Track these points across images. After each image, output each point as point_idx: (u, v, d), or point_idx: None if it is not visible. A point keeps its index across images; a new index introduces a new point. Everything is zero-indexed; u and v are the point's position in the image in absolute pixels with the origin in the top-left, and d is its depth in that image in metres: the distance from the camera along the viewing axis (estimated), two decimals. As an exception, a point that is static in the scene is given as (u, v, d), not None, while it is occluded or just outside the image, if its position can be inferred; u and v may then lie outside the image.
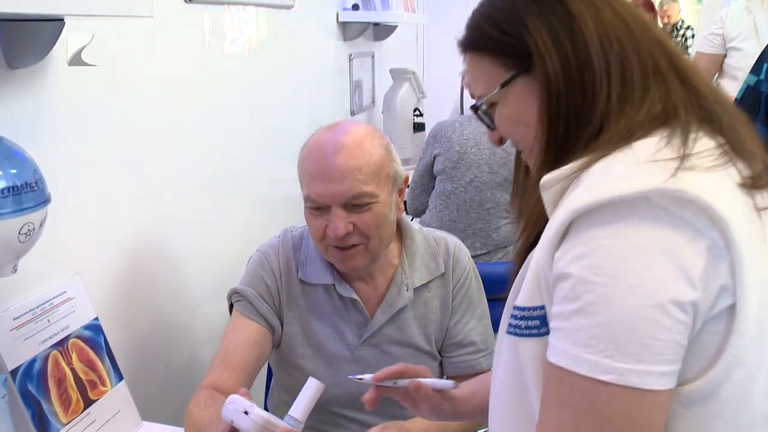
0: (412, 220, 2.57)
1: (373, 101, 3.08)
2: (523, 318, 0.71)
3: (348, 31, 2.63)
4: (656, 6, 6.07)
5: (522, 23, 0.77)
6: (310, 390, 1.10)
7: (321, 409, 1.39)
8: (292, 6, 2.13)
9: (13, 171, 0.89)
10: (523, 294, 0.72)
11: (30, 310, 1.13)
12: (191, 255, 1.65)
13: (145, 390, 1.43)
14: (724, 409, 0.65)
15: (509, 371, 0.76)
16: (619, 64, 0.74)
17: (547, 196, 0.71)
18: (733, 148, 0.70)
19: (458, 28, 0.89)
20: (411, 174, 2.55)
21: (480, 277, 1.45)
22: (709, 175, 0.65)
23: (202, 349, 1.71)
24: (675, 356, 0.62)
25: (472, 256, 2.01)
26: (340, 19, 2.56)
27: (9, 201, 0.87)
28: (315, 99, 2.44)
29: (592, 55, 0.74)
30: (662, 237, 0.62)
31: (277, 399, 1.53)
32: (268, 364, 1.57)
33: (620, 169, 0.66)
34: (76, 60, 0.76)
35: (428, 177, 2.44)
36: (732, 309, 0.63)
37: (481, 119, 0.87)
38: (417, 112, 3.07)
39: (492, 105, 0.84)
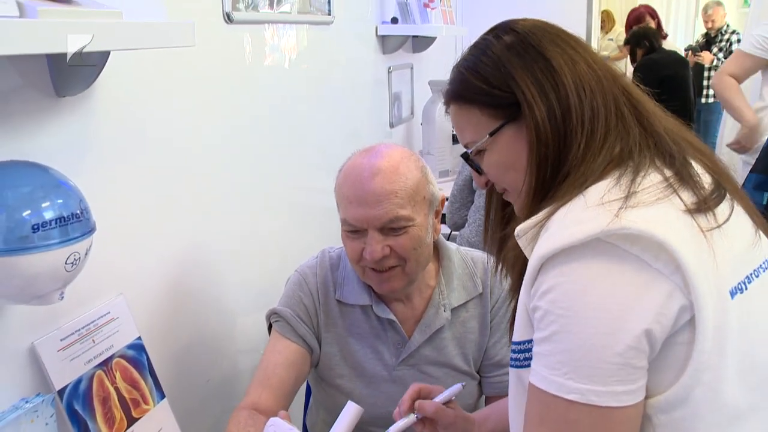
0: (450, 233, 2.56)
1: (412, 113, 3.08)
2: (520, 351, 0.79)
3: (387, 43, 2.64)
4: (702, 10, 5.95)
5: (509, 76, 0.85)
6: (349, 414, 1.11)
7: (359, 430, 1.40)
8: (332, 22, 2.15)
9: (60, 201, 0.92)
10: (516, 330, 0.81)
11: (76, 331, 1.15)
12: (230, 270, 1.67)
13: (187, 405, 1.45)
14: (701, 410, 0.72)
15: (518, 401, 0.83)
16: (590, 113, 0.82)
17: (522, 243, 0.80)
18: (680, 180, 0.78)
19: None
20: (450, 187, 2.55)
21: None
22: (653, 207, 0.74)
23: (241, 362, 1.73)
24: (629, 377, 0.70)
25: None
26: (379, 33, 2.57)
27: (56, 232, 0.90)
28: (354, 112, 2.46)
29: (571, 104, 0.82)
30: (612, 272, 0.71)
31: (315, 417, 1.54)
32: (307, 382, 1.58)
33: (573, 216, 0.75)
34: (76, 60, 0.78)
35: (467, 191, 2.43)
36: (693, 320, 0.71)
37: (470, 165, 0.95)
38: (456, 124, 3.06)
39: (479, 152, 0.91)
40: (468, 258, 1.43)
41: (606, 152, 0.80)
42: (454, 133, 3.06)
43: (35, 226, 0.88)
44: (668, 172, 0.79)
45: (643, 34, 4.77)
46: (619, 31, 7.04)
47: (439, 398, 1.19)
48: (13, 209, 0.88)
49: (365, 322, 1.38)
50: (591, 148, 0.81)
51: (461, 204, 2.47)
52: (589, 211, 0.74)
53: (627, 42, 4.83)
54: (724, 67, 2.98)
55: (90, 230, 0.96)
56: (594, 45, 5.71)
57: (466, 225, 2.45)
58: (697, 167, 0.84)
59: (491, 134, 0.88)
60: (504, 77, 0.85)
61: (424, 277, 1.38)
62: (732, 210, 0.81)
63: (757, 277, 0.79)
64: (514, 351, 0.81)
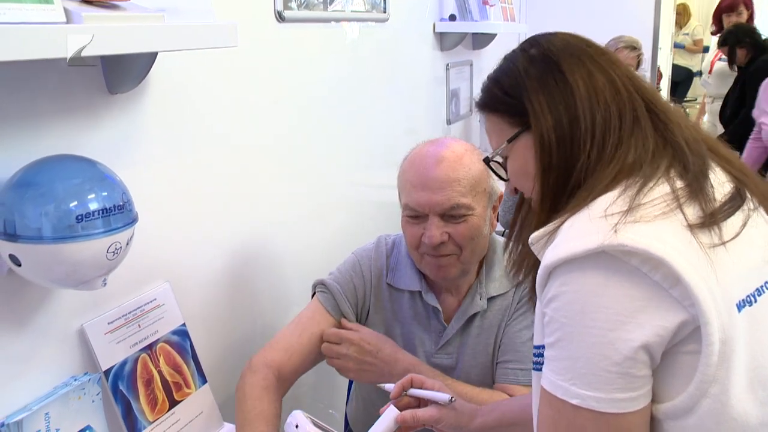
0: (504, 231, 2.55)
1: (471, 110, 3.07)
2: (538, 355, 0.81)
3: (445, 41, 2.64)
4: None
5: (523, 86, 0.89)
6: (388, 419, 1.12)
7: None
8: (387, 19, 2.17)
9: (104, 194, 0.97)
10: (535, 335, 0.83)
11: (123, 316, 1.22)
12: (276, 262, 1.72)
13: (228, 391, 1.51)
14: (707, 422, 0.73)
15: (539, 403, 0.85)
16: (602, 124, 0.84)
17: (535, 249, 0.83)
18: (690, 192, 0.78)
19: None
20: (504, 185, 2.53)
21: None
22: (653, 223, 0.74)
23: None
24: (630, 385, 0.72)
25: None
26: (436, 30, 2.58)
27: (99, 222, 0.95)
28: (411, 108, 2.48)
29: (580, 115, 0.84)
30: (611, 284, 0.72)
31: (354, 408, 1.58)
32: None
33: (577, 227, 0.77)
34: (77, 60, 0.83)
35: (520, 190, 2.41)
36: (697, 332, 0.71)
37: (494, 171, 1.00)
38: (514, 121, 3.03)
39: (505, 159, 0.96)
40: None
41: (616, 162, 0.82)
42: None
43: (80, 216, 0.94)
44: (679, 183, 0.80)
45: (743, 30, 4.31)
46: (695, 26, 6.77)
47: (421, 393, 1.18)
48: (61, 200, 0.94)
49: (411, 308, 1.42)
50: (602, 158, 0.83)
51: (513, 203, 2.45)
52: (592, 223, 0.76)
53: (724, 42, 4.31)
54: None
55: (131, 221, 1.02)
56: (668, 41, 5.48)
57: (518, 224, 2.42)
58: (720, 176, 0.84)
59: (509, 141, 0.92)
60: (519, 87, 0.90)
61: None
62: (745, 222, 0.80)
63: None
64: (534, 355, 0.84)
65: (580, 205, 0.79)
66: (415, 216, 1.32)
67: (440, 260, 1.32)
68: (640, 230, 0.73)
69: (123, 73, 1.13)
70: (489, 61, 3.15)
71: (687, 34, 6.72)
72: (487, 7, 2.65)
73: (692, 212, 0.77)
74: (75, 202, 0.94)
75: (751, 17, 4.80)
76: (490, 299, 1.40)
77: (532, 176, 0.89)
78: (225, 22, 1.09)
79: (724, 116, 4.32)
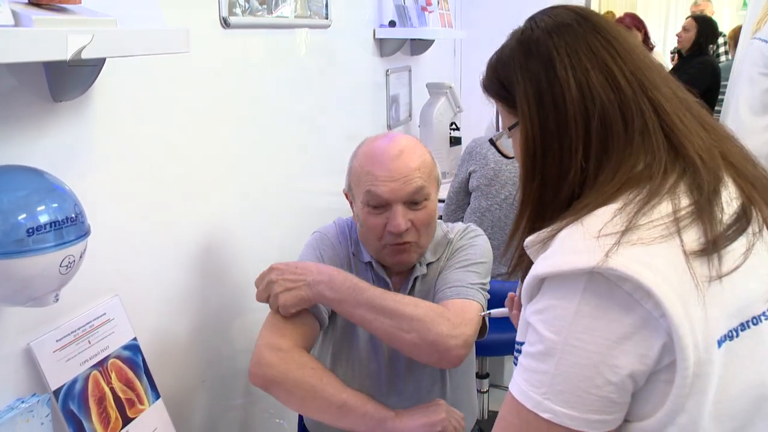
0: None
1: (410, 115, 3.09)
2: (518, 351, 0.79)
3: (385, 46, 2.66)
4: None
5: (516, 80, 0.83)
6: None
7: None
8: (329, 25, 2.16)
9: (55, 205, 0.93)
10: (519, 331, 0.81)
11: (72, 332, 1.17)
12: (225, 272, 1.69)
13: (182, 406, 1.47)
14: None
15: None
16: (600, 132, 0.77)
17: (530, 253, 0.79)
18: (696, 212, 0.74)
19: (496, 42, 0.94)
20: (447, 189, 2.56)
21: (491, 251, 1.49)
22: (650, 248, 0.70)
23: (237, 363, 1.74)
24: (606, 408, 0.71)
25: (506, 273, 2.01)
26: (376, 36, 2.59)
27: (51, 235, 0.91)
28: (352, 114, 2.48)
29: (570, 122, 0.78)
30: (602, 307, 0.70)
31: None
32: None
33: (571, 243, 0.73)
34: (76, 60, 0.80)
35: (463, 193, 2.45)
36: (674, 363, 0.69)
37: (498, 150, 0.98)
38: (453, 126, 3.07)
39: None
40: (446, 226, 1.54)
41: (622, 173, 0.77)
42: (452, 135, 3.08)
43: (30, 230, 0.89)
44: (684, 202, 0.75)
45: (713, 28, 4.40)
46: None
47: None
48: (8, 213, 0.89)
49: (370, 279, 1.45)
50: (603, 169, 0.78)
51: (457, 206, 2.48)
52: (585, 243, 0.71)
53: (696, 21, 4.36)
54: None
55: (84, 234, 0.98)
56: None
57: (463, 227, 2.46)
58: (731, 190, 0.79)
59: (510, 128, 0.88)
60: (511, 80, 0.84)
61: None
62: (748, 248, 0.75)
63: (755, 324, 0.76)
64: (515, 350, 0.82)
65: (578, 213, 0.75)
66: (378, 206, 1.35)
67: (401, 246, 1.37)
68: (634, 255, 0.69)
69: (68, 79, 1.09)
70: (426, 67, 3.19)
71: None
72: (426, 13, 2.68)
73: (693, 237, 0.72)
74: (24, 215, 0.90)
75: (646, 36, 4.57)
76: (428, 264, 1.46)
77: None
78: (177, 27, 1.07)
79: None
